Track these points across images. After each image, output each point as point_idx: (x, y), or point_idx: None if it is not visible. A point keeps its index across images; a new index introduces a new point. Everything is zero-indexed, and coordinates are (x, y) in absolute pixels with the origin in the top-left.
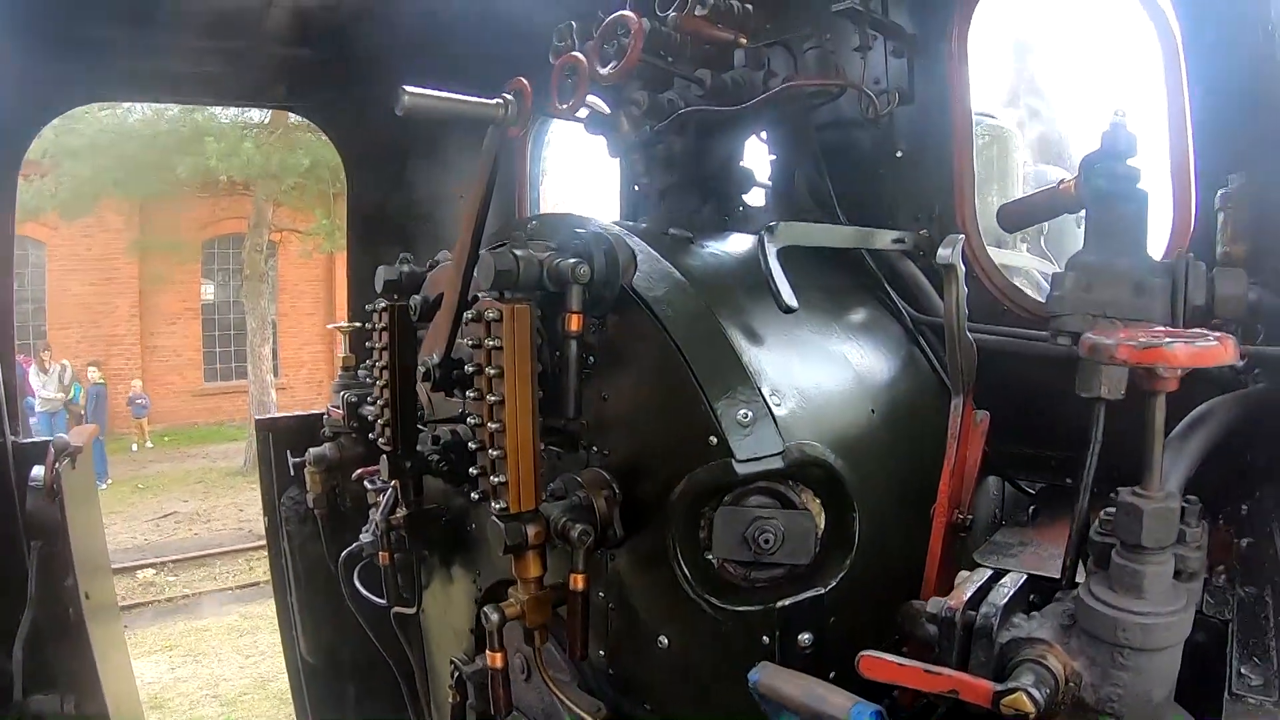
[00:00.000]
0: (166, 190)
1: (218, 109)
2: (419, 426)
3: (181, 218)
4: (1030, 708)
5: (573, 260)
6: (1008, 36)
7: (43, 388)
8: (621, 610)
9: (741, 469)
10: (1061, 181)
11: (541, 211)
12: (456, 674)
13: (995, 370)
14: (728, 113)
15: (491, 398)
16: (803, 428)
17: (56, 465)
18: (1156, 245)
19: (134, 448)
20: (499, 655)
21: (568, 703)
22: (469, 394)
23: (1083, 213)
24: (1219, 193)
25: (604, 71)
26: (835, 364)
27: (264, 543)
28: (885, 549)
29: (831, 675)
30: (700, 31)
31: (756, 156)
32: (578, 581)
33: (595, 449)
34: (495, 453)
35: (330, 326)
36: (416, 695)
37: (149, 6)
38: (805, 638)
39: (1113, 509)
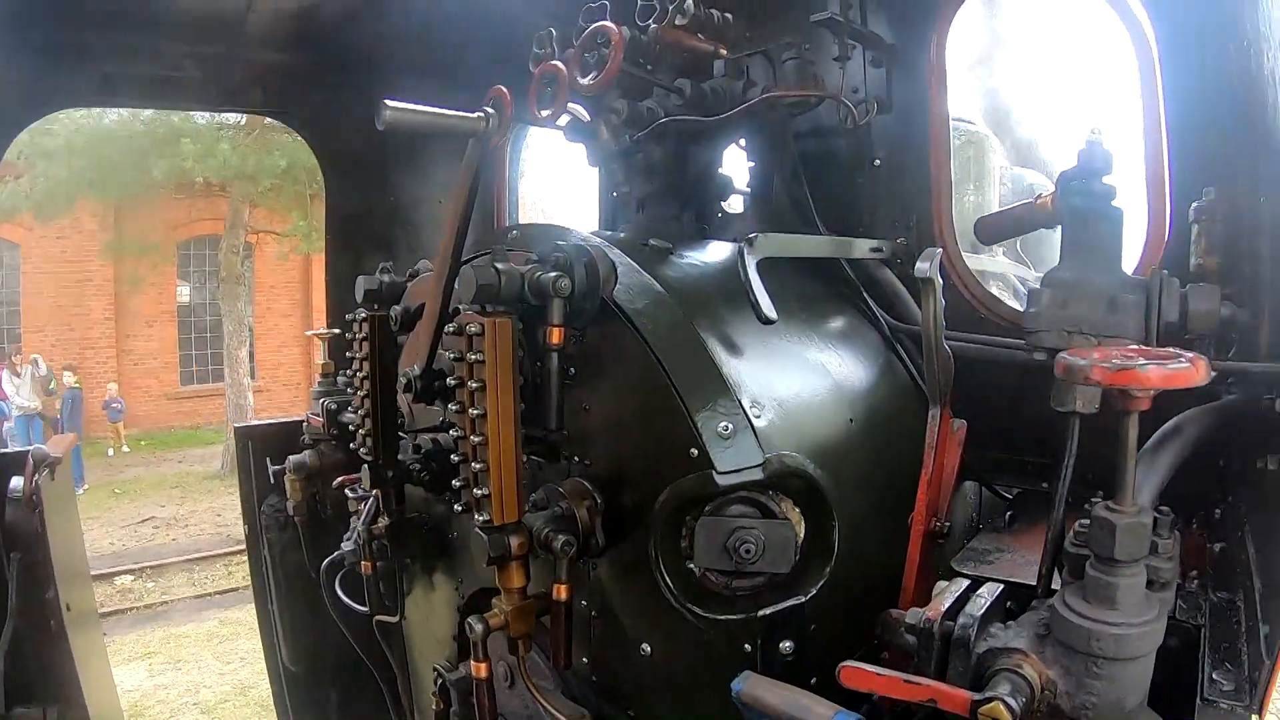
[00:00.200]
0: (142, 192)
1: None
2: (400, 435)
3: (157, 219)
4: (1007, 716)
5: (553, 274)
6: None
7: (16, 393)
8: (604, 618)
9: (722, 480)
10: (1038, 196)
11: (520, 214)
12: (440, 681)
13: (972, 377)
14: (707, 123)
15: (474, 411)
16: (782, 438)
17: (36, 477)
18: (1134, 253)
19: (110, 452)
20: (484, 665)
21: (552, 710)
22: (451, 407)
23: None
24: (1193, 205)
25: (584, 81)
26: (814, 373)
27: (243, 547)
28: (864, 557)
29: (813, 681)
30: (680, 42)
31: (735, 163)
32: (561, 591)
33: (577, 459)
34: (478, 466)
35: (309, 334)
36: (399, 702)
37: (127, 11)
38: (786, 645)
39: (1087, 520)
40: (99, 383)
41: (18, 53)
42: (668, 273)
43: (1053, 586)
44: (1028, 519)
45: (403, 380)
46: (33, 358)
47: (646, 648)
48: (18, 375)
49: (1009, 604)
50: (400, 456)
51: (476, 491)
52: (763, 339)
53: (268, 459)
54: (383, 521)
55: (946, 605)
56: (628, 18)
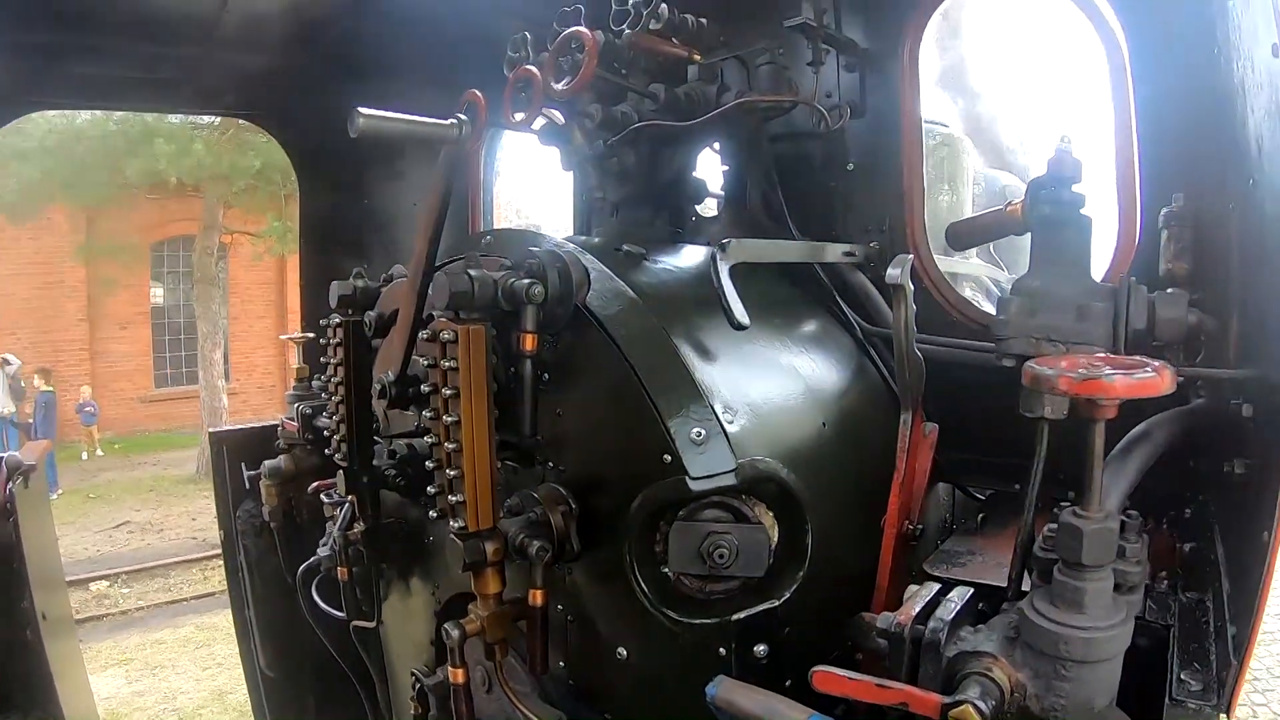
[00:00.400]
0: (116, 192)
1: None
2: (375, 440)
3: (130, 220)
4: (977, 719)
5: (527, 280)
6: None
7: None
8: (580, 622)
9: (696, 486)
10: (1009, 204)
11: (496, 215)
12: (418, 686)
13: (944, 379)
14: (681, 127)
15: (448, 418)
16: (755, 443)
17: (10, 485)
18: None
19: (84, 456)
20: (460, 671)
21: (529, 715)
22: (425, 413)
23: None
24: (1163, 211)
25: (558, 86)
26: (787, 377)
27: (219, 551)
28: (838, 560)
29: (788, 684)
30: (655, 47)
31: (710, 167)
32: (536, 597)
33: (551, 464)
34: (452, 472)
35: (283, 338)
36: (377, 707)
37: (100, 12)
38: (761, 649)
39: (1055, 525)
40: (72, 385)
41: None
42: (641, 278)
43: (1023, 588)
44: (999, 520)
45: (377, 386)
46: (3, 356)
47: (622, 652)
48: None
49: (980, 605)
50: (375, 462)
51: (451, 498)
52: (736, 344)
53: (243, 464)
54: (358, 527)
55: (917, 609)
56: (602, 22)
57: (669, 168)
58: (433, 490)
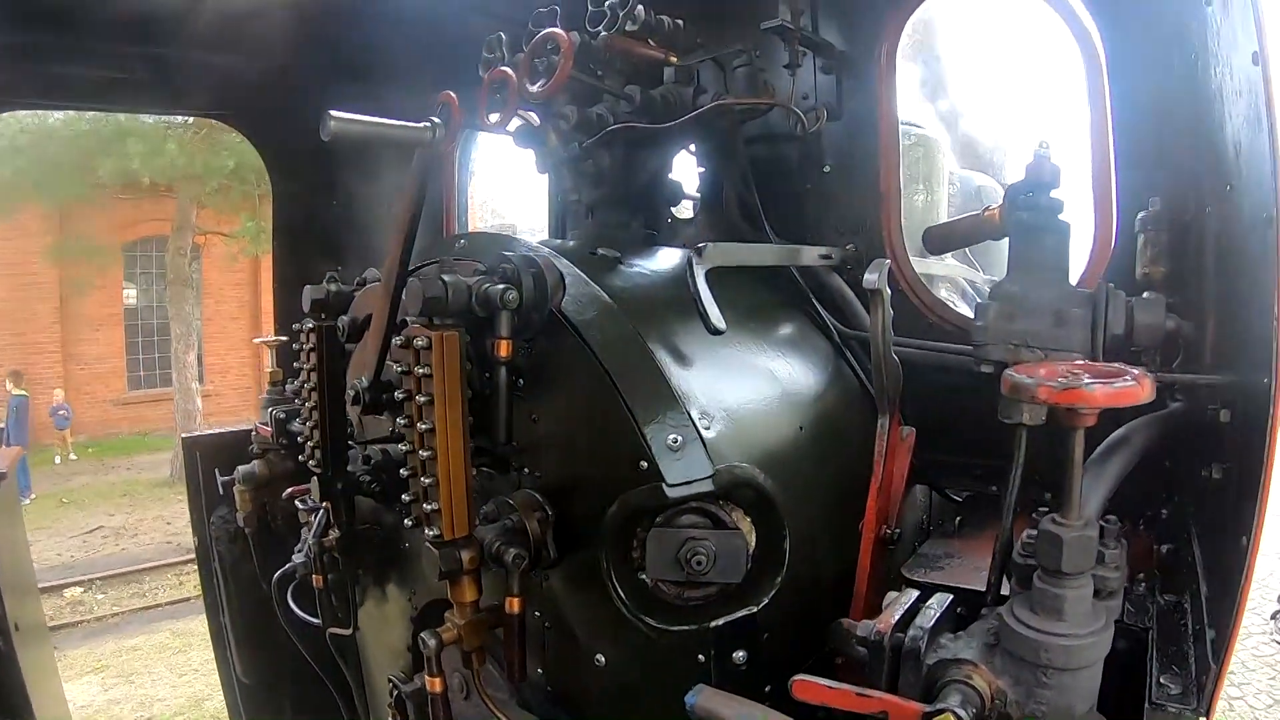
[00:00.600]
0: (88, 192)
1: None
2: (349, 446)
3: (102, 220)
4: None
5: (501, 285)
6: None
7: None
8: (558, 629)
9: (672, 493)
10: (986, 209)
11: (471, 215)
12: (395, 692)
13: (922, 382)
14: (657, 129)
15: (422, 425)
16: (732, 448)
17: None
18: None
19: (57, 459)
20: (438, 680)
21: None
22: (400, 420)
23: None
24: (1139, 215)
25: (533, 88)
26: (764, 382)
27: (193, 556)
28: (816, 564)
29: (767, 690)
30: (631, 49)
31: (686, 169)
32: (513, 605)
33: (527, 471)
34: (427, 480)
35: (257, 341)
36: (355, 713)
37: (73, 12)
38: (739, 655)
39: (1034, 531)
40: (45, 388)
41: None
42: (616, 282)
43: (1002, 592)
44: (977, 522)
45: (351, 392)
46: None
47: (600, 658)
48: None
49: (959, 610)
50: (350, 468)
51: (426, 506)
52: (712, 349)
53: (216, 470)
54: (333, 534)
55: (897, 617)
56: (578, 23)
57: (645, 170)
58: (408, 498)
